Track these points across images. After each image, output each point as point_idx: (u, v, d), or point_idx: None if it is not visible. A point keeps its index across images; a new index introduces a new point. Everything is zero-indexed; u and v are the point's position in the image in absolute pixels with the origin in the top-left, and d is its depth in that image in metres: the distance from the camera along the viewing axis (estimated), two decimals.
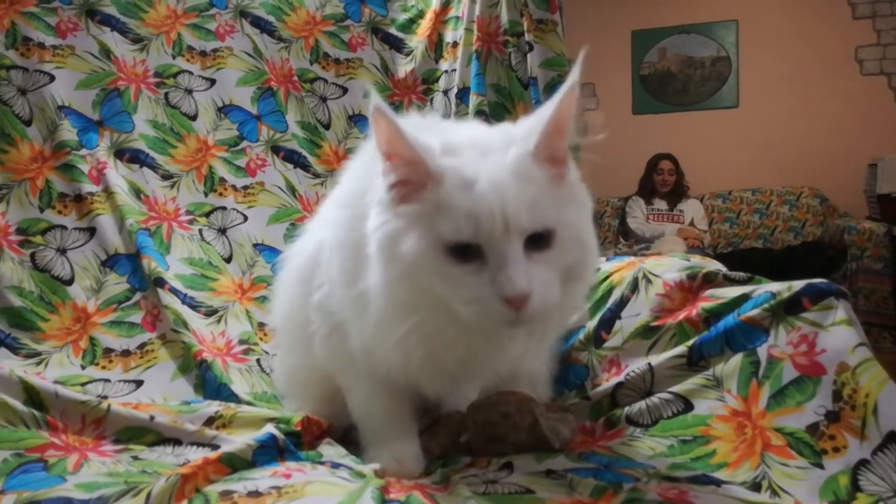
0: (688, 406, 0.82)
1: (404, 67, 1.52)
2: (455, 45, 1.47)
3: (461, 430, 0.88)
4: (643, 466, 0.75)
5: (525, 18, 1.33)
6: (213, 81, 1.39)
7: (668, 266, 0.99)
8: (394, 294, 0.68)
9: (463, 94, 1.41)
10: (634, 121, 4.44)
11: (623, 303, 1.00)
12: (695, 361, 0.85)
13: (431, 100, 1.52)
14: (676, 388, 0.84)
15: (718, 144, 4.27)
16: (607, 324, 1.01)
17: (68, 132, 1.22)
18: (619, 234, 3.92)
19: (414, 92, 1.52)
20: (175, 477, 0.64)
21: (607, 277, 1.06)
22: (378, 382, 0.81)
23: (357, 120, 1.49)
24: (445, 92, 1.49)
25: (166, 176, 1.29)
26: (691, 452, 0.78)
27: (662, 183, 3.81)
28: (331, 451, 0.86)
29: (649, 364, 0.89)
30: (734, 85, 4.35)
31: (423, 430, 0.87)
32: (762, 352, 0.79)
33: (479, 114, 1.35)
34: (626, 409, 0.87)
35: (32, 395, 0.79)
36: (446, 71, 1.50)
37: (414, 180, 0.66)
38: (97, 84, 1.29)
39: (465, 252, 0.64)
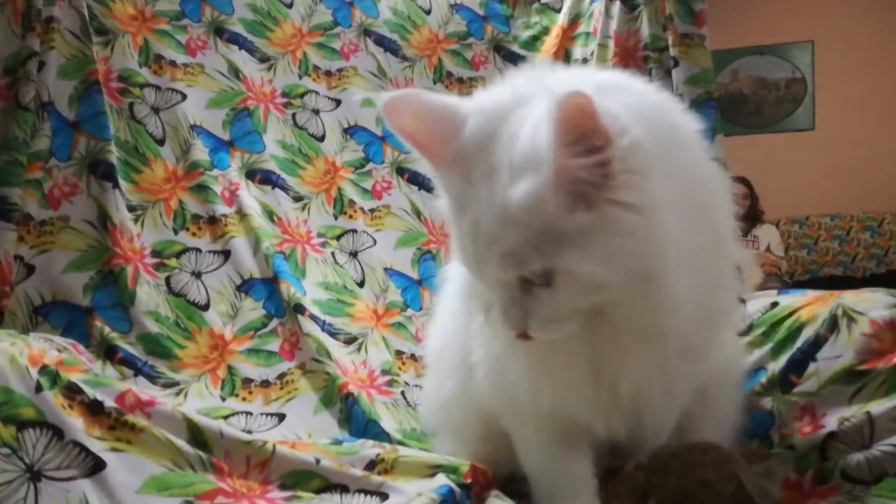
0: None
1: None
2: (585, 61, 1.38)
3: (647, 493, 0.77)
4: None
5: (669, 33, 1.23)
6: (338, 102, 1.32)
7: (873, 302, 0.87)
8: None
9: None
10: None
11: (818, 343, 0.88)
12: None
13: None
14: None
15: (794, 168, 4.08)
16: (797, 366, 0.89)
17: (201, 152, 1.16)
18: None
19: None
20: None
21: (793, 313, 0.94)
22: (550, 430, 0.72)
23: None
24: None
25: (297, 198, 1.23)
26: None
27: None
28: None
29: (868, 413, 0.77)
30: (810, 107, 4.17)
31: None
32: None
33: None
34: (840, 461, 0.76)
35: (196, 435, 0.72)
36: None
37: None
38: (227, 104, 1.23)
39: None
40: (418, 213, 1.30)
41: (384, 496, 0.73)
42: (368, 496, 0.74)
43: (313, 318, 1.06)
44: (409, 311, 1.21)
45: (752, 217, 3.66)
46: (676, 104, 0.67)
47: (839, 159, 4.01)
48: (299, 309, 1.06)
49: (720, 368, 0.82)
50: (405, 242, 1.27)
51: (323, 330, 1.06)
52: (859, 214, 3.88)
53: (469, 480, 0.78)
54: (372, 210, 1.27)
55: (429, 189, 1.33)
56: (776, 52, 4.25)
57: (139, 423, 0.68)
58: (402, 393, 1.05)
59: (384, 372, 1.07)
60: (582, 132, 0.50)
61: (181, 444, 0.69)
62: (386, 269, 1.23)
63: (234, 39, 1.28)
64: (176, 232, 1.11)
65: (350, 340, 1.10)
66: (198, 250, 1.11)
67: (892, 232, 3.81)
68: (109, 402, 0.68)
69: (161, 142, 1.16)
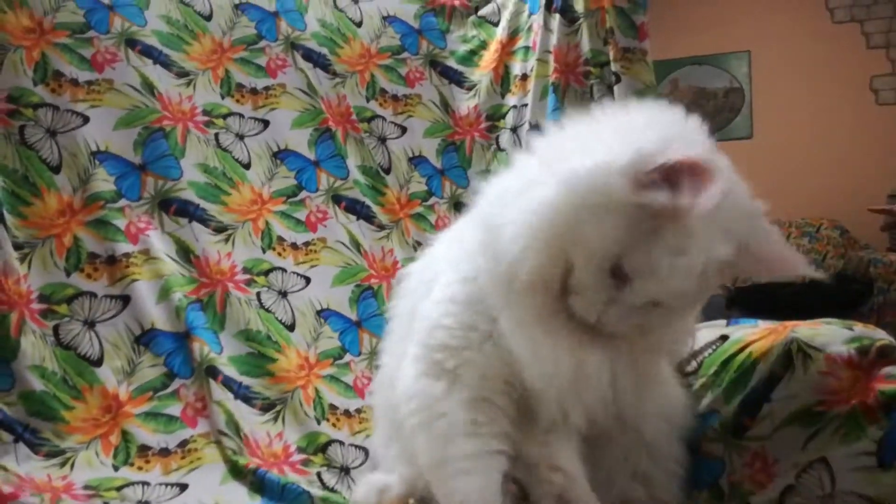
0: None
1: (466, 103, 1.32)
2: (524, 77, 1.27)
3: None
4: None
5: (611, 47, 1.15)
6: (266, 123, 1.17)
7: (829, 336, 0.77)
8: None
9: (536, 131, 1.22)
10: None
11: (773, 382, 0.79)
12: (889, 461, 0.65)
13: (497, 138, 1.31)
14: (867, 491, 0.64)
15: None
16: (751, 408, 0.79)
17: (103, 182, 1.00)
18: None
19: (477, 129, 1.31)
20: None
21: (745, 348, 0.85)
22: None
23: (417, 162, 1.28)
24: (514, 129, 1.29)
25: (219, 229, 1.07)
26: None
27: None
28: None
29: (826, 462, 0.69)
30: (748, 116, 4.20)
31: None
32: None
33: None
34: None
35: None
36: (515, 106, 1.29)
37: None
38: (139, 122, 1.06)
39: None
40: (357, 246, 1.16)
41: None
42: None
43: (227, 382, 0.92)
44: (347, 357, 1.07)
45: None
46: None
47: (776, 167, 4.02)
48: (212, 372, 0.92)
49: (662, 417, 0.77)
50: (342, 279, 1.13)
51: (237, 396, 0.92)
52: (797, 221, 3.89)
53: None
54: (306, 244, 1.12)
55: (368, 218, 1.20)
56: (714, 62, 4.26)
57: None
58: (319, 475, 0.90)
59: (300, 449, 0.93)
60: None
61: None
62: (320, 312, 1.09)
63: (148, 52, 1.11)
64: (68, 273, 0.94)
65: (267, 407, 0.95)
66: (93, 295, 0.95)
67: (829, 237, 3.82)
68: None
69: (56, 169, 0.99)
